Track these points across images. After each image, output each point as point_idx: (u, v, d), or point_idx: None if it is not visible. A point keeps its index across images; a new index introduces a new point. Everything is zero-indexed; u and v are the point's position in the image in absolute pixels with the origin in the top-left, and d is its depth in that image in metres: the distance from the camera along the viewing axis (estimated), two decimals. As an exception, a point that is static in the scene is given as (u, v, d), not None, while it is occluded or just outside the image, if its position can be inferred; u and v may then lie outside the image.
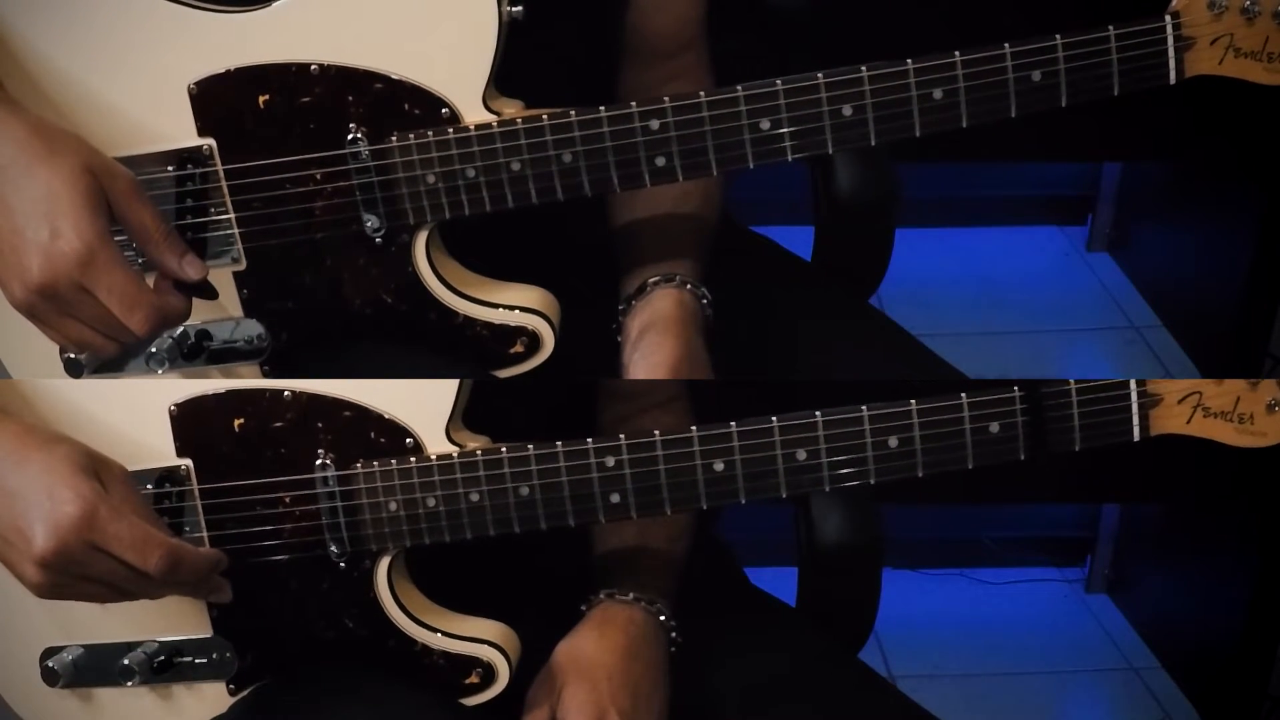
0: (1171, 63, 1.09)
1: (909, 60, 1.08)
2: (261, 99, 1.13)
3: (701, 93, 1.10)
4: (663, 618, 1.21)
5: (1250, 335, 2.43)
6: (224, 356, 1.20)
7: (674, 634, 1.22)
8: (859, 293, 1.55)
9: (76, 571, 1.05)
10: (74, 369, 1.21)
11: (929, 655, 2.46)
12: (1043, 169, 2.96)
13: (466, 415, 1.15)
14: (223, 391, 1.15)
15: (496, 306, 1.17)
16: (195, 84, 1.13)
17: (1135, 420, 1.10)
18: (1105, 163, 2.91)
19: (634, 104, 1.11)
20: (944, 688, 2.36)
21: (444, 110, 1.12)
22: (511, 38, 1.11)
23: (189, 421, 1.15)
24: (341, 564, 1.16)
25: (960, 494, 2.47)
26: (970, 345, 2.59)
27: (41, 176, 1.05)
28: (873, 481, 1.11)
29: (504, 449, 1.12)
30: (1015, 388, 1.10)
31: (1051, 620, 2.65)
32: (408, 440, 1.13)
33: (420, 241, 1.15)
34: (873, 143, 1.10)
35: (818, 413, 1.10)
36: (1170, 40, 1.08)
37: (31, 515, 1.04)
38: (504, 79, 1.13)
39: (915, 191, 1.68)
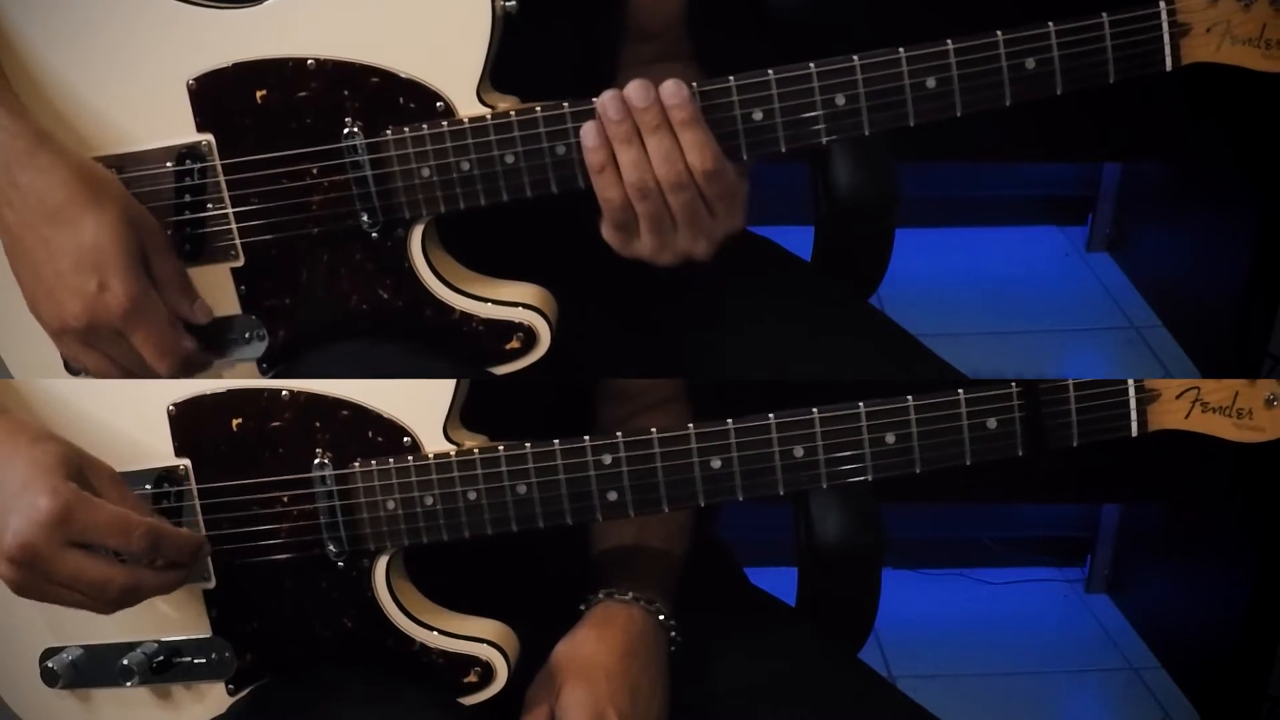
0: (1167, 49, 1.07)
1: (901, 49, 1.08)
2: (259, 94, 1.13)
3: (694, 83, 1.10)
4: (662, 617, 1.21)
5: (1250, 335, 2.43)
6: (222, 353, 1.20)
7: (673, 633, 1.22)
8: (859, 293, 1.55)
9: (46, 573, 1.04)
10: (74, 367, 1.21)
11: (929, 655, 2.45)
12: (1043, 169, 2.96)
13: (464, 414, 1.15)
14: (221, 391, 1.15)
15: (492, 302, 1.17)
16: (194, 79, 1.14)
17: (1133, 416, 1.10)
18: (1105, 163, 2.90)
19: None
20: (944, 688, 2.35)
21: (439, 104, 1.12)
22: (505, 32, 1.11)
23: (187, 421, 1.15)
24: (340, 563, 1.15)
25: (960, 494, 2.46)
26: (970, 345, 2.58)
27: (89, 226, 1.09)
28: (870, 478, 1.10)
29: (501, 447, 1.12)
30: (1013, 384, 1.09)
31: (1051, 620, 2.64)
32: (405, 439, 1.13)
33: (416, 236, 1.15)
34: (866, 132, 1.10)
35: (814, 409, 1.10)
36: (1165, 27, 1.07)
37: (6, 510, 1.04)
38: (498, 75, 1.13)
39: (915, 191, 1.68)
